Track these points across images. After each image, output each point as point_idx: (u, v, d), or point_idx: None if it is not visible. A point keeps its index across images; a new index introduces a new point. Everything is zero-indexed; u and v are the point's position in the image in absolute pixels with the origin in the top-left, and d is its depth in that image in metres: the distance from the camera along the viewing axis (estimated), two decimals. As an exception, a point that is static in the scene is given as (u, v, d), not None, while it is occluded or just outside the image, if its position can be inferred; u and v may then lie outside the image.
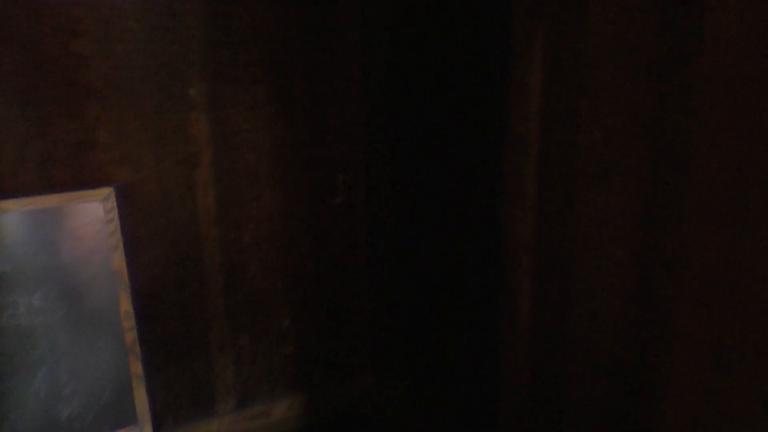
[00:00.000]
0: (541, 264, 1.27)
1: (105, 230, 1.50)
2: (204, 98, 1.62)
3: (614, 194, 1.09)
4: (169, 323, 1.67)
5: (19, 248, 1.38)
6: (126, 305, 1.54)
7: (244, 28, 1.63)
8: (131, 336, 1.55)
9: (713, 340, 0.93)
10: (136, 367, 1.55)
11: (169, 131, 1.59)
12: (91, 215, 1.48)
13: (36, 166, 1.43)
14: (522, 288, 1.31)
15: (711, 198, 0.90)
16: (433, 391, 2.06)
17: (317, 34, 1.74)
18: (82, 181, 1.49)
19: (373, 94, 1.86)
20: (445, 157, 1.99)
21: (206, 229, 1.69)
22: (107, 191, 1.50)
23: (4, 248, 1.37)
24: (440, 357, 2.12)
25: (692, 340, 0.96)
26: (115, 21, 1.47)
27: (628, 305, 1.09)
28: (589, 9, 1.05)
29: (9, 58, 1.38)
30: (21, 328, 1.38)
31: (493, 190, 1.81)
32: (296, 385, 1.91)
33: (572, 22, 1.09)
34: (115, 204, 1.51)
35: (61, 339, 1.44)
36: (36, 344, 1.40)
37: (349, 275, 1.94)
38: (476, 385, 2.01)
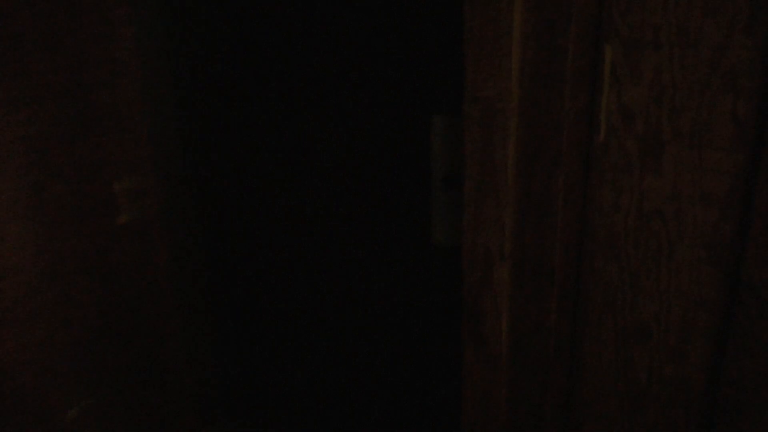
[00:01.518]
0: (523, 277, 0.92)
1: None
2: None
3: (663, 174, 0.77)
4: None
5: None
6: None
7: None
8: None
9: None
10: None
11: None
12: None
13: None
14: (496, 308, 0.95)
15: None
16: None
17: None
18: None
19: (155, 72, 1.27)
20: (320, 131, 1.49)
21: None
22: None
23: None
24: (340, 405, 1.68)
25: None
26: None
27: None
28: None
29: None
30: None
31: (408, 178, 1.39)
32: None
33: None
34: None
35: None
36: None
37: (154, 322, 1.37)
38: None
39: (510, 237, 0.91)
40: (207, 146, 1.39)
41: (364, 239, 1.25)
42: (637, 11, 0.73)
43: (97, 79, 1.18)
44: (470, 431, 1.01)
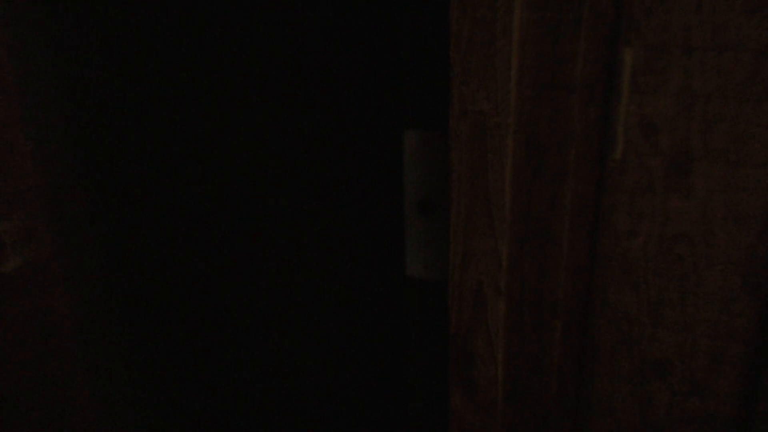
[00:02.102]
0: (522, 312, 0.80)
1: None
2: None
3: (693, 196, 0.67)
4: None
5: None
6: None
7: None
8: None
9: None
10: None
11: None
12: None
13: None
14: (491, 350, 0.83)
15: None
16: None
17: None
18: None
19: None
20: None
21: None
22: None
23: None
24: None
25: None
26: None
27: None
28: None
29: None
30: None
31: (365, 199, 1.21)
32: None
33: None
34: None
35: None
36: None
37: (57, 389, 1.13)
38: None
39: (507, 269, 0.79)
40: (113, 173, 1.17)
41: (322, 276, 1.09)
42: (665, 10, 0.63)
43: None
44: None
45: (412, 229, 0.86)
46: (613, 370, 0.79)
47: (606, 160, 0.70)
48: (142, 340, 1.30)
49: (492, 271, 0.79)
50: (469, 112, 0.73)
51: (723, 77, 0.63)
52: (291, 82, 0.97)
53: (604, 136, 0.70)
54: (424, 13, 0.86)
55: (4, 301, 1.06)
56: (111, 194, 1.18)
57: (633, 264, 0.73)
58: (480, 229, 0.77)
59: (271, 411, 1.29)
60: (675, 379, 0.76)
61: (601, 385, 0.80)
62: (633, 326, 0.76)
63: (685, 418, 0.77)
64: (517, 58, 0.70)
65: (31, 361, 1.11)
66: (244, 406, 1.31)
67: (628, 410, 0.80)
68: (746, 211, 0.66)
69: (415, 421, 1.10)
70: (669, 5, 0.63)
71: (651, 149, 0.68)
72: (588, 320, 0.78)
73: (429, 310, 0.94)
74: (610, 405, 0.81)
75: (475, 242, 0.78)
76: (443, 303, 0.96)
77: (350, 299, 1.06)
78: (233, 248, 1.16)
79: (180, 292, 1.24)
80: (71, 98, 1.13)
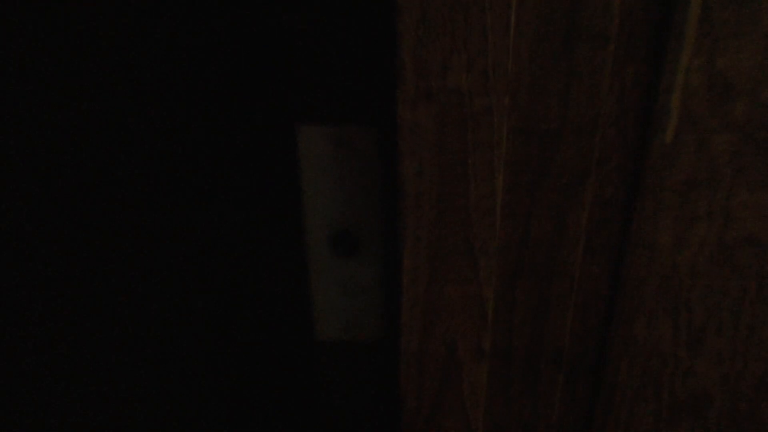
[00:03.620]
0: (511, 369, 0.54)
1: None
2: None
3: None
4: None
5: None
6: None
7: None
8: None
9: None
10: None
11: None
12: None
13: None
14: (469, 424, 0.56)
15: None
16: None
17: None
18: None
19: None
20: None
21: None
22: None
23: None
24: None
25: None
26: None
27: None
28: None
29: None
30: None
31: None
32: None
33: None
34: None
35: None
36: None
37: None
38: None
39: (494, 321, 0.52)
40: None
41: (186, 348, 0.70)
42: None
43: None
44: None
45: (322, 278, 0.54)
46: (633, 417, 0.58)
47: (649, 145, 0.45)
48: None
49: (472, 329, 0.52)
50: (435, 92, 0.42)
51: (839, 6, 0.41)
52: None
53: (647, 110, 0.45)
54: None
55: None
56: None
57: (674, 285, 0.51)
58: (455, 270, 0.49)
59: None
60: (713, 415, 0.58)
61: (615, 439, 0.59)
62: (666, 362, 0.55)
63: (716, 454, 0.60)
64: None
65: None
66: None
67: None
68: (836, 196, 0.47)
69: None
70: None
71: (720, 123, 0.44)
72: (602, 366, 0.55)
73: (355, 384, 0.63)
74: (621, 456, 0.60)
75: (447, 291, 0.50)
76: (381, 371, 0.66)
77: (229, 384, 0.71)
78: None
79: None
80: None
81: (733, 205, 0.47)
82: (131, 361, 0.69)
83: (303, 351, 0.61)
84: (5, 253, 0.63)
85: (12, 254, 0.63)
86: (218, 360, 0.67)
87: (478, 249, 0.48)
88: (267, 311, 0.61)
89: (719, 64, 0.42)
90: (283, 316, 0.60)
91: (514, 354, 0.55)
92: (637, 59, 0.43)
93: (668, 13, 0.41)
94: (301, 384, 0.64)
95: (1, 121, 0.57)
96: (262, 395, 0.68)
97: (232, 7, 0.51)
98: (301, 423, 0.69)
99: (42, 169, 0.59)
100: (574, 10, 0.41)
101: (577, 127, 0.44)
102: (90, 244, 0.62)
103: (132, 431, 0.73)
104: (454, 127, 0.43)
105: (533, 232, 0.49)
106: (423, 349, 0.53)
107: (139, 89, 0.54)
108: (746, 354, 0.54)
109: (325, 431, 0.65)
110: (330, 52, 0.50)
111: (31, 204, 0.60)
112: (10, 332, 0.68)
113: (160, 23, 0.52)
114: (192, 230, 0.59)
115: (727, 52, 0.42)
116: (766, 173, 0.46)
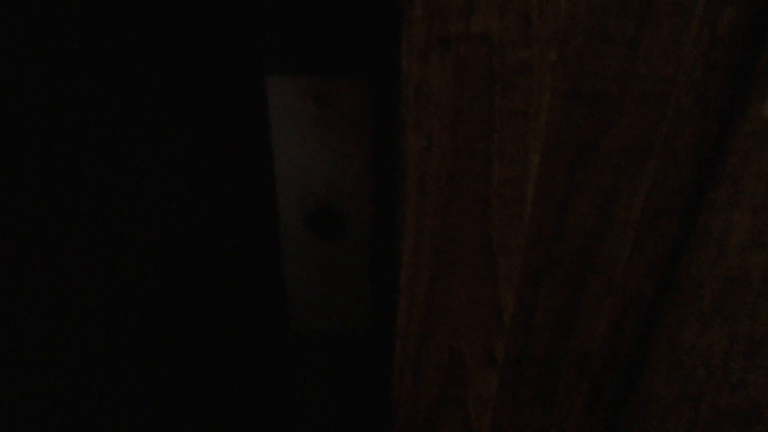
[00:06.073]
0: (524, 377, 0.45)
1: None
2: None
3: None
4: None
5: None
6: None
7: None
8: None
9: None
10: None
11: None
12: None
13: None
14: None
15: None
16: None
17: None
18: None
19: None
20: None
21: None
22: None
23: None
24: None
25: None
26: None
27: None
28: None
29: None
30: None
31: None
32: None
33: None
34: None
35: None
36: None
37: None
38: None
39: (510, 328, 0.42)
40: None
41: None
42: None
43: None
44: None
45: (298, 261, 0.43)
46: (661, 430, 0.49)
47: (738, 118, 0.34)
48: None
49: (483, 335, 0.41)
50: (454, 40, 0.30)
51: None
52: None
53: (743, 72, 0.33)
54: None
55: None
56: None
57: (739, 290, 0.40)
58: (466, 268, 0.38)
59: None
60: (760, 430, 0.49)
61: (641, 449, 0.51)
62: (713, 373, 0.45)
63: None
64: None
65: None
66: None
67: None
68: None
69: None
70: None
71: (839, 93, 0.33)
72: (635, 374, 0.46)
73: (336, 379, 0.53)
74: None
75: (456, 291, 0.39)
76: (364, 365, 0.56)
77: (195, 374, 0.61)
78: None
79: None
80: None
81: (834, 197, 0.36)
82: (92, 357, 0.58)
83: (277, 339, 0.51)
84: None
85: None
86: (184, 349, 0.56)
87: (498, 245, 0.37)
88: (236, 295, 0.50)
89: None
90: (254, 301, 0.49)
91: (528, 359, 0.45)
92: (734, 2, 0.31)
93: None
94: (275, 373, 0.54)
95: None
96: (233, 386, 0.58)
97: None
98: (276, 417, 0.60)
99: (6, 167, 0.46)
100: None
101: (644, 91, 0.32)
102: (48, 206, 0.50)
103: (99, 419, 0.64)
104: (477, 88, 0.31)
105: (568, 222, 0.37)
106: (421, 355, 0.43)
107: (91, 40, 0.41)
108: (813, 367, 0.45)
109: (301, 428, 0.56)
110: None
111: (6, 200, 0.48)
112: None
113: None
114: (142, 197, 0.48)
115: None
116: None
